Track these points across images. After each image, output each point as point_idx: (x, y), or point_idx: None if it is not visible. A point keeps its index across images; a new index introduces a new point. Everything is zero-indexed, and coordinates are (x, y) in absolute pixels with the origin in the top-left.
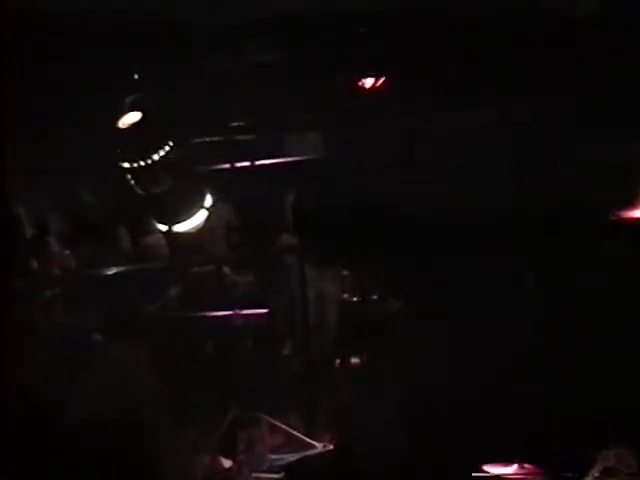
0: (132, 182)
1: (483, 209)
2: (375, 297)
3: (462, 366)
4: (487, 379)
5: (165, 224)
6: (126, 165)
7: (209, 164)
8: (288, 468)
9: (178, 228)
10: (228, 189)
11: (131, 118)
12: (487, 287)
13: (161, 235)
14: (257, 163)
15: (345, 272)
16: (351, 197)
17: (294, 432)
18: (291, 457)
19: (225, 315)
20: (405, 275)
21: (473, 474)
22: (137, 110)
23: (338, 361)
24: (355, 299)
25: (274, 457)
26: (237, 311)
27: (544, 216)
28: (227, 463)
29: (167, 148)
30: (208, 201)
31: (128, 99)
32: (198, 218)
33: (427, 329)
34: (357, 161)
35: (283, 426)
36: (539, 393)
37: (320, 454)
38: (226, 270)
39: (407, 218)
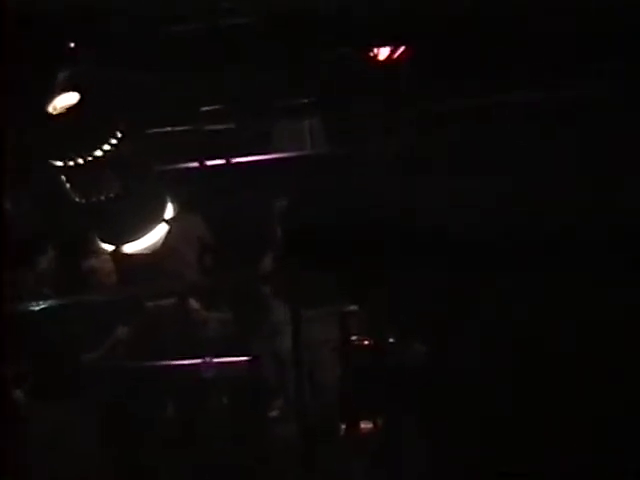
0: (67, 186)
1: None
2: (392, 339)
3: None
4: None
5: (112, 242)
6: (59, 163)
7: (172, 162)
8: None
9: (130, 247)
10: (198, 195)
11: (65, 100)
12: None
13: (107, 257)
14: (236, 161)
15: (352, 307)
16: (360, 204)
17: None
18: None
19: (192, 365)
20: (433, 309)
21: None
22: (74, 90)
23: (343, 427)
24: (366, 342)
25: None
26: (208, 359)
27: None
28: None
29: (114, 140)
30: (170, 211)
31: (62, 75)
32: (157, 234)
33: (462, 382)
34: (365, 158)
35: None
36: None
37: None
38: (194, 304)
39: (433, 232)
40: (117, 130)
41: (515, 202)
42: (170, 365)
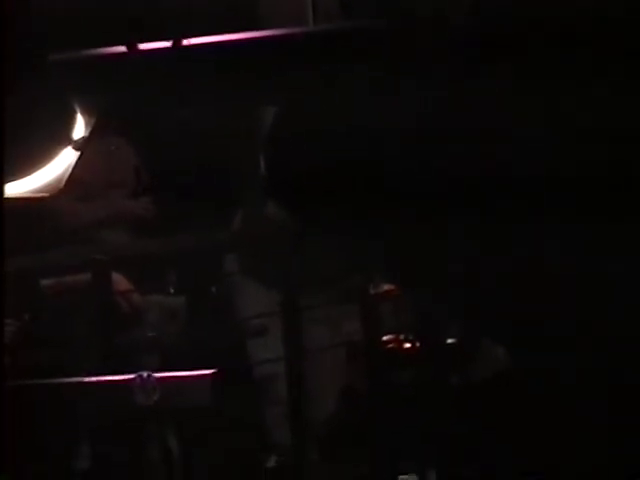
0: None
1: None
2: (451, 339)
3: None
4: None
5: None
6: None
7: (83, 45)
8: None
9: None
10: (128, 100)
11: None
12: None
13: None
14: (192, 42)
15: (385, 285)
16: (396, 118)
17: None
18: None
19: (119, 382)
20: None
21: None
22: None
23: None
24: (407, 345)
25: None
26: (145, 374)
27: None
28: None
29: None
30: (81, 129)
31: None
32: (61, 164)
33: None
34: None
35: None
36: None
37: None
38: (121, 281)
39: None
40: None
41: None
42: (82, 383)
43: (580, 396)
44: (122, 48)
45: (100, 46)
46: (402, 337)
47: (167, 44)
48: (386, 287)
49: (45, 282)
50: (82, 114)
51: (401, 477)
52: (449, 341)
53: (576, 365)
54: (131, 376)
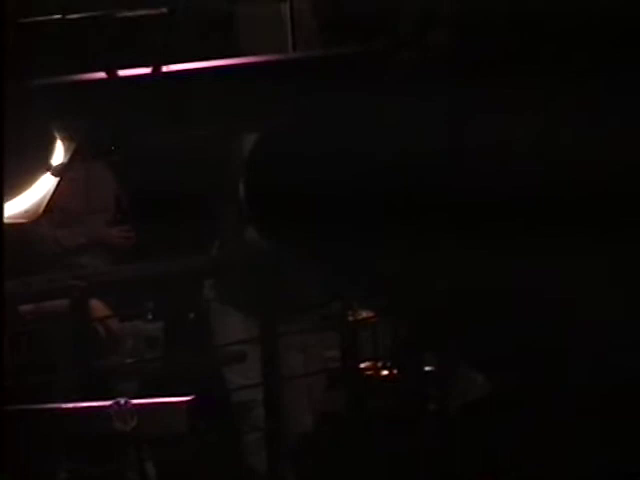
0: None
1: None
2: (428, 367)
3: None
4: None
5: None
6: None
7: (64, 70)
8: None
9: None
10: (110, 126)
11: None
12: None
13: None
14: (172, 69)
15: (363, 312)
16: (376, 140)
17: None
18: None
19: (95, 409)
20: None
21: None
22: None
23: None
24: (384, 372)
25: None
26: (122, 401)
27: None
28: None
29: None
30: (61, 154)
31: None
32: (40, 189)
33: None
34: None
35: None
36: None
37: None
38: (99, 307)
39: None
40: None
41: None
42: (59, 408)
43: (560, 422)
44: (102, 73)
45: (80, 71)
46: (380, 364)
47: (147, 70)
48: (364, 314)
49: (23, 308)
50: (61, 140)
51: None
52: (427, 368)
53: (558, 391)
54: (108, 402)
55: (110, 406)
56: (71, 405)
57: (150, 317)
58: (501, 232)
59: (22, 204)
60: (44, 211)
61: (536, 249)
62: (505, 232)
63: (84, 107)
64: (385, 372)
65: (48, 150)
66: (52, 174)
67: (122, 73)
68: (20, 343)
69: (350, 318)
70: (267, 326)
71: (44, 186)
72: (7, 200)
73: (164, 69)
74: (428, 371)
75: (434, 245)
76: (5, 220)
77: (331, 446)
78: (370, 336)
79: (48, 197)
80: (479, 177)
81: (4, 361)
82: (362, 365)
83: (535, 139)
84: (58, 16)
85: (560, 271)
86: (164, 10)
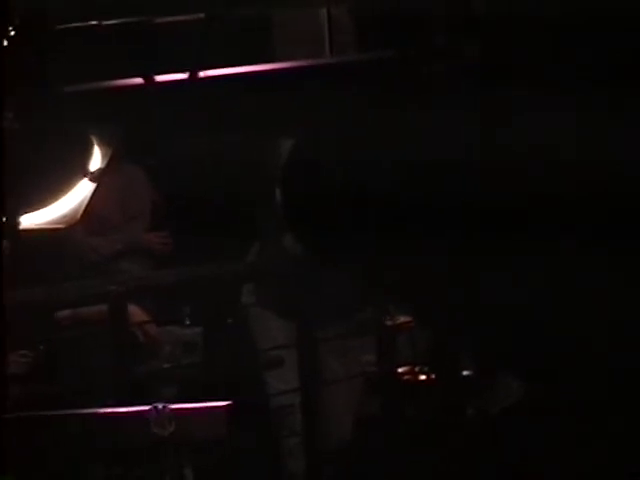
0: None
1: None
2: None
3: None
4: None
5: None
6: None
7: (97, 78)
8: None
9: (33, 219)
10: (145, 133)
11: None
12: None
13: None
14: (207, 74)
15: (400, 318)
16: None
17: None
18: None
19: (134, 414)
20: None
21: None
22: None
23: None
24: (422, 377)
25: None
26: (160, 406)
27: None
28: None
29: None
30: (98, 160)
31: None
32: (77, 195)
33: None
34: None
35: None
36: None
37: None
38: (137, 312)
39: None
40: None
41: None
42: (97, 414)
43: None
44: (139, 79)
45: (116, 77)
46: (418, 369)
47: (184, 75)
48: (402, 319)
49: (61, 314)
50: (99, 145)
51: None
52: (465, 373)
53: (589, 396)
54: (147, 407)
55: (148, 411)
56: (109, 410)
57: (188, 322)
58: (540, 235)
59: (60, 210)
60: (81, 217)
61: (576, 253)
62: (544, 235)
63: (121, 113)
64: (423, 377)
65: (85, 156)
66: (89, 180)
67: (159, 79)
68: (58, 349)
69: (388, 323)
70: (305, 331)
71: (81, 192)
72: (45, 206)
73: (201, 75)
74: (466, 375)
75: (474, 250)
76: (43, 226)
77: (369, 451)
78: (408, 341)
79: (85, 203)
80: (514, 184)
81: (38, 369)
82: (400, 370)
83: (570, 146)
84: (95, 22)
85: (595, 275)
86: (202, 16)
